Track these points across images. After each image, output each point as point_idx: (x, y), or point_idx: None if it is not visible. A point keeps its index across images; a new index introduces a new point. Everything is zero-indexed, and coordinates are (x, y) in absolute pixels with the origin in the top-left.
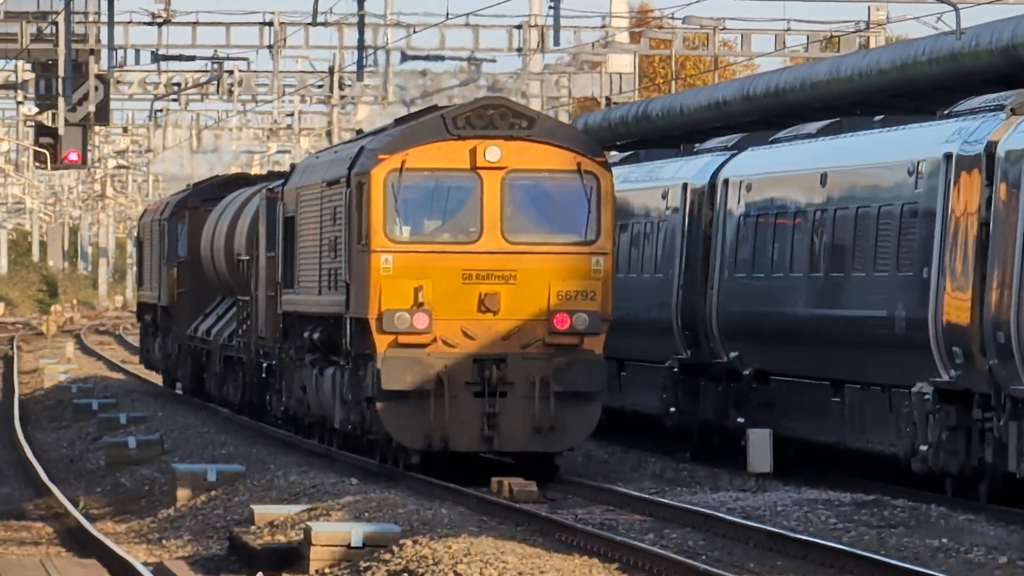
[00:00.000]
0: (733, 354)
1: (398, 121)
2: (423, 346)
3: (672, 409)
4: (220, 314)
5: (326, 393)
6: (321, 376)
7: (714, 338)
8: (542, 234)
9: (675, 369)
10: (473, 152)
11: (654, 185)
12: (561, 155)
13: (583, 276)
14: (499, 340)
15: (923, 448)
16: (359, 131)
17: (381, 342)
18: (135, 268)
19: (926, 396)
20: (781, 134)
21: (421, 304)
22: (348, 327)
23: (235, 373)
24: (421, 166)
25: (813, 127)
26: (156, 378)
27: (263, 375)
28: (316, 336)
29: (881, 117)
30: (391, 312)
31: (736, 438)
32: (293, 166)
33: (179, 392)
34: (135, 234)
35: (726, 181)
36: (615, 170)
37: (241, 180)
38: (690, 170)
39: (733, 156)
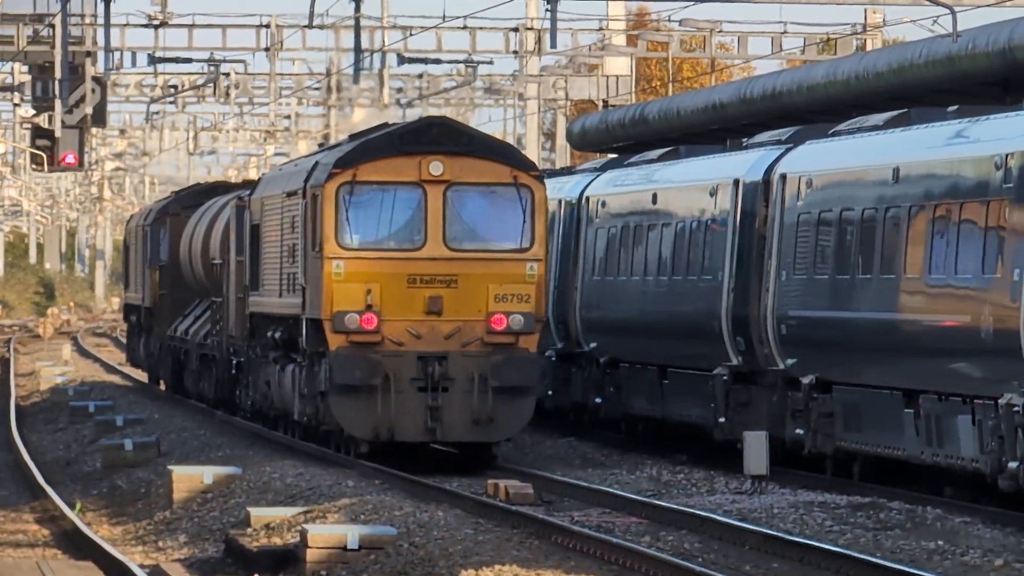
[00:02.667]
0: (791, 361)
1: (352, 137)
2: (372, 344)
3: (722, 420)
4: (197, 315)
5: (286, 388)
6: (282, 372)
7: (769, 344)
8: (481, 242)
9: (725, 377)
10: (418, 166)
11: (700, 182)
12: (498, 169)
13: (518, 280)
14: (441, 339)
15: (1012, 465)
16: (321, 144)
17: (333, 341)
18: (122, 271)
19: (1015, 408)
20: (842, 127)
21: (370, 306)
22: (304, 327)
23: (209, 370)
24: (370, 179)
25: (879, 119)
26: (144, 376)
27: (233, 371)
28: (278, 335)
29: (956, 107)
30: (342, 313)
31: (795, 452)
32: (261, 177)
33: (162, 388)
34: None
35: (783, 176)
36: (652, 168)
37: (220, 188)
38: (741, 166)
39: (789, 150)
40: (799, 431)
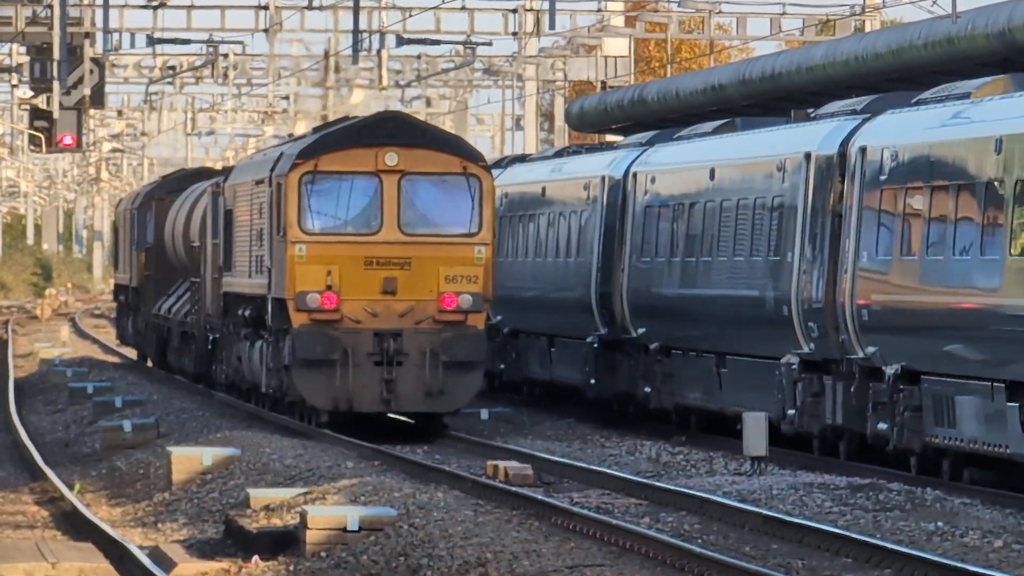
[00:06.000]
0: (871, 349)
1: (315, 130)
2: (332, 322)
3: (791, 412)
4: (179, 294)
5: (255, 362)
6: (251, 347)
7: (847, 330)
8: (432, 227)
9: (794, 366)
10: (375, 157)
11: (765, 156)
12: (449, 160)
13: (467, 263)
14: (396, 317)
15: None
16: (290, 134)
17: (296, 318)
18: (112, 252)
19: None
20: (927, 94)
21: (330, 286)
22: (270, 305)
23: (189, 346)
24: (330, 169)
25: (970, 85)
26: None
27: (210, 347)
28: (248, 313)
29: None
30: (304, 293)
31: (879, 449)
32: (235, 164)
33: (149, 365)
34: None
35: (862, 149)
36: (707, 141)
37: (203, 173)
38: (812, 138)
39: (866, 121)
40: (882, 425)
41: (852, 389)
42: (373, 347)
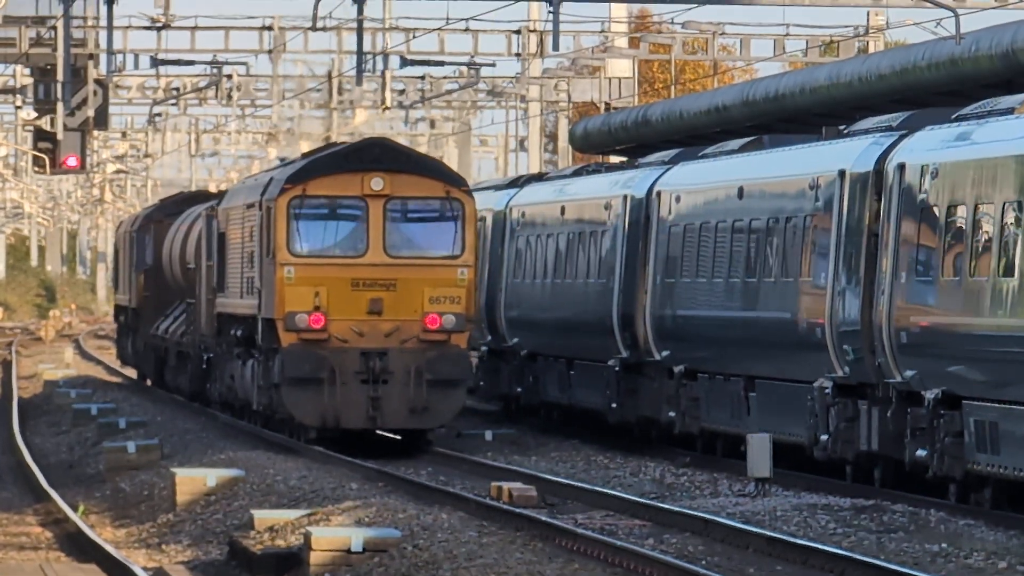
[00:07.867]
0: (910, 373)
1: (304, 155)
2: (319, 341)
3: (824, 437)
4: (176, 315)
5: (247, 380)
6: (243, 366)
7: (884, 354)
8: (417, 249)
9: (828, 390)
10: (361, 182)
11: (797, 175)
12: (432, 185)
13: (450, 284)
14: (382, 337)
15: None
16: (282, 158)
17: (285, 338)
18: (112, 274)
19: None
20: (967, 110)
21: (318, 307)
22: (260, 325)
23: (185, 366)
24: (318, 193)
25: (1015, 100)
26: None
27: (204, 367)
28: (239, 333)
29: None
30: (293, 313)
31: (917, 475)
32: (228, 189)
33: (148, 384)
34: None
35: (901, 166)
36: (735, 159)
37: (201, 197)
38: (847, 155)
39: (904, 136)
40: (921, 452)
41: (889, 414)
42: (360, 366)
